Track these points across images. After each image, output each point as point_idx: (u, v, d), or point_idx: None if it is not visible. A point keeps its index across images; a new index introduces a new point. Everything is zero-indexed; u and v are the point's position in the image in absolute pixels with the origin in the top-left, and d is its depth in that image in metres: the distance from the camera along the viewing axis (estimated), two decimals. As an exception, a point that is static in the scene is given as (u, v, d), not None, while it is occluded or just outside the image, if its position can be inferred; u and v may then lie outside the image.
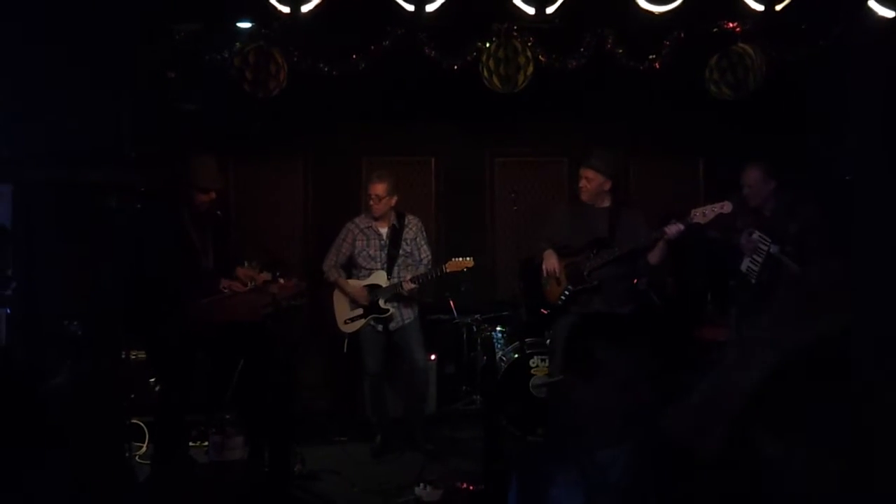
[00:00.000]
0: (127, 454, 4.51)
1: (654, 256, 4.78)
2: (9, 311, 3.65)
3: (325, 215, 6.31)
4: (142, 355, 5.08)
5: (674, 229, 4.61)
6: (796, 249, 4.38)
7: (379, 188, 5.14)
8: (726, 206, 4.55)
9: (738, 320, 4.59)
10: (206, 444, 4.83)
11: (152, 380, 5.22)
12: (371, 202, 5.18)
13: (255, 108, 5.49)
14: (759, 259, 4.48)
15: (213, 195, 4.38)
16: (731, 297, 4.80)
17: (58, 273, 4.02)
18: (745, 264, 4.57)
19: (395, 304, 5.23)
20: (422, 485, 4.36)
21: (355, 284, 5.25)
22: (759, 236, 4.45)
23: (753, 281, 4.52)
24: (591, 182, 4.85)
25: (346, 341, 5.37)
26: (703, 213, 4.56)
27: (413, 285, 5.13)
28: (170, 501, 3.82)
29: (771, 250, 4.41)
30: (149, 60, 4.71)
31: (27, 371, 2.17)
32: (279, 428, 4.55)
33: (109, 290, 3.98)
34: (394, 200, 5.21)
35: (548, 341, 5.59)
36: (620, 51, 5.13)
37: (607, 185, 4.90)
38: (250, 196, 6.44)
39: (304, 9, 4.57)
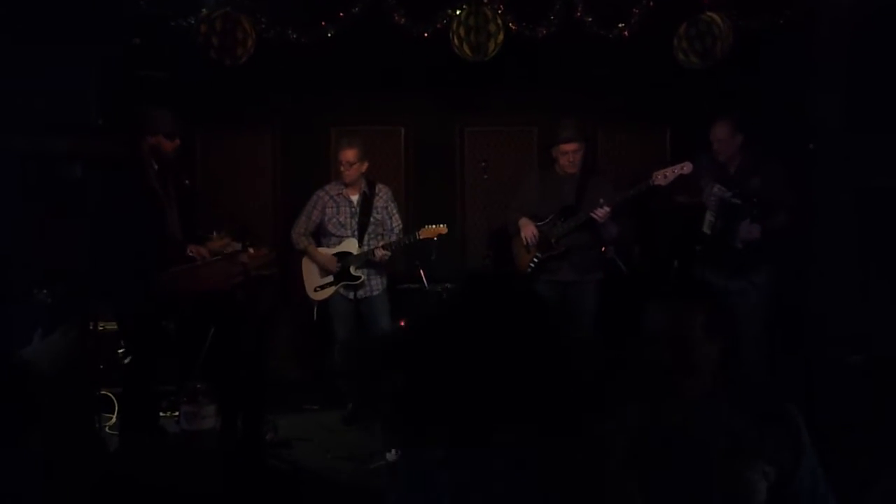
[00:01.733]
0: (97, 425, 4.49)
1: (606, 233, 4.86)
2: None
3: (295, 184, 6.27)
4: (110, 326, 5.05)
5: (600, 212, 4.73)
6: (758, 205, 4.48)
7: (349, 154, 5.12)
8: (686, 167, 4.66)
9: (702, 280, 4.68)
10: (177, 413, 4.82)
11: (121, 351, 5.20)
12: (342, 168, 5.16)
13: (223, 77, 5.41)
14: (714, 212, 4.57)
15: (178, 142, 4.32)
16: (697, 263, 4.88)
17: (26, 242, 3.96)
18: (706, 221, 4.65)
19: (366, 272, 5.24)
20: (393, 450, 4.41)
21: (325, 252, 5.25)
22: (719, 188, 4.54)
23: (709, 233, 4.61)
24: (578, 153, 4.93)
25: (316, 309, 5.38)
26: (665, 175, 4.68)
27: (385, 252, 5.14)
28: (141, 470, 3.81)
29: (723, 198, 4.50)
30: (114, 27, 4.61)
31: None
32: (251, 397, 4.57)
33: (77, 259, 3.93)
34: (364, 167, 5.20)
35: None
36: (590, 19, 5.14)
37: (584, 149, 4.97)
38: (218, 165, 6.37)
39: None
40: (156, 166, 4.24)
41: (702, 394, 1.92)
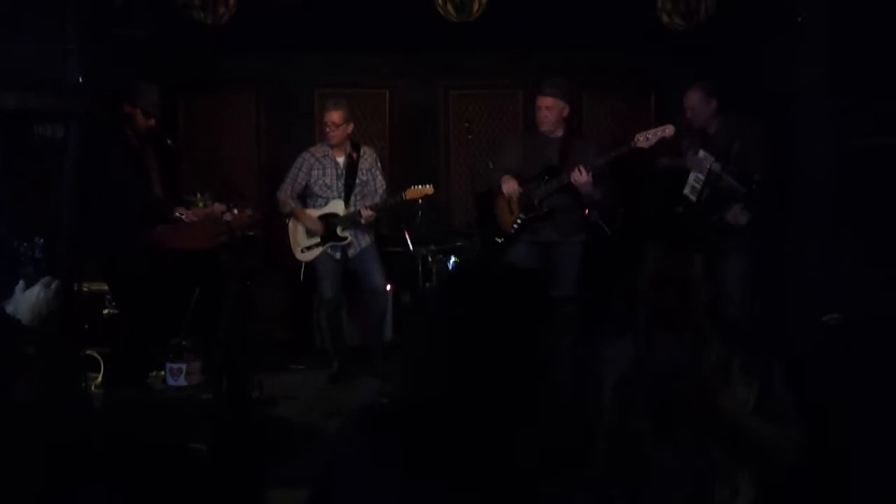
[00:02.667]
0: (82, 383, 4.52)
1: (588, 194, 4.89)
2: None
3: (279, 146, 6.27)
4: (95, 286, 5.07)
5: (579, 177, 4.74)
6: (739, 167, 4.52)
7: (335, 115, 5.12)
8: (668, 130, 4.68)
9: None
10: (163, 373, 4.86)
11: (105, 311, 5.22)
12: (328, 130, 5.17)
13: (205, 37, 5.37)
14: (702, 177, 4.60)
15: (153, 122, 4.34)
16: (678, 225, 4.93)
17: (7, 198, 3.97)
18: (689, 185, 4.69)
19: (353, 232, 5.27)
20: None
21: (311, 214, 5.27)
22: (704, 154, 4.58)
23: (694, 199, 4.65)
24: (552, 111, 4.92)
25: (303, 270, 5.41)
26: (647, 138, 4.70)
27: (371, 213, 5.16)
28: (128, 426, 3.86)
29: (712, 167, 4.54)
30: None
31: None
32: (236, 355, 4.62)
33: (60, 216, 3.95)
34: (350, 128, 5.21)
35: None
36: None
37: (566, 112, 4.99)
38: (202, 127, 6.35)
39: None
40: (130, 133, 4.25)
41: (694, 332, 2.07)
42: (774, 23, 5.28)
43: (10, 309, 2.77)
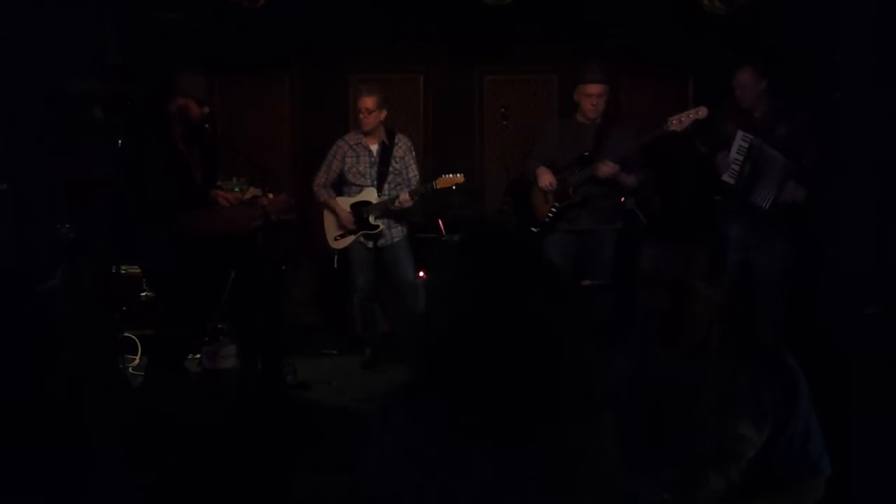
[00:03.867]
0: (120, 364, 4.59)
1: (624, 184, 4.85)
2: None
3: (313, 131, 6.28)
4: (132, 270, 5.13)
5: (602, 169, 4.72)
6: (784, 150, 4.42)
7: (368, 101, 5.10)
8: (701, 111, 4.58)
9: (722, 232, 4.65)
10: (199, 356, 4.91)
11: (143, 293, 5.29)
12: (361, 116, 5.15)
13: (241, 20, 5.39)
14: (740, 158, 4.50)
15: (206, 109, 4.35)
16: (716, 211, 4.85)
17: (47, 178, 4.01)
18: (729, 171, 4.58)
19: (385, 221, 5.26)
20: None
21: (344, 204, 5.27)
22: (742, 134, 4.47)
23: (733, 182, 4.54)
24: (601, 97, 4.87)
25: (336, 257, 5.42)
26: (680, 121, 4.61)
27: (409, 200, 5.13)
28: (164, 407, 3.91)
29: (752, 142, 4.42)
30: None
31: (21, 273, 2.19)
32: (270, 339, 4.65)
33: (99, 198, 3.98)
34: (383, 115, 5.18)
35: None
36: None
37: (608, 95, 4.92)
38: (237, 111, 6.38)
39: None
40: (181, 126, 4.25)
41: (697, 345, 1.82)
42: (817, 7, 5.16)
43: (51, 289, 2.81)
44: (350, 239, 5.30)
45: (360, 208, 5.24)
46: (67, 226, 3.52)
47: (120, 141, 4.37)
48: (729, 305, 1.85)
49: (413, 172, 5.31)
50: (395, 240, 5.32)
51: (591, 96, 4.86)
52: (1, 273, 2.14)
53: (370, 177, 5.26)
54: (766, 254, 4.58)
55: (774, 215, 4.49)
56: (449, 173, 5.18)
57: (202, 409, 4.16)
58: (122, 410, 3.59)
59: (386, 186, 5.25)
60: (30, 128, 4.00)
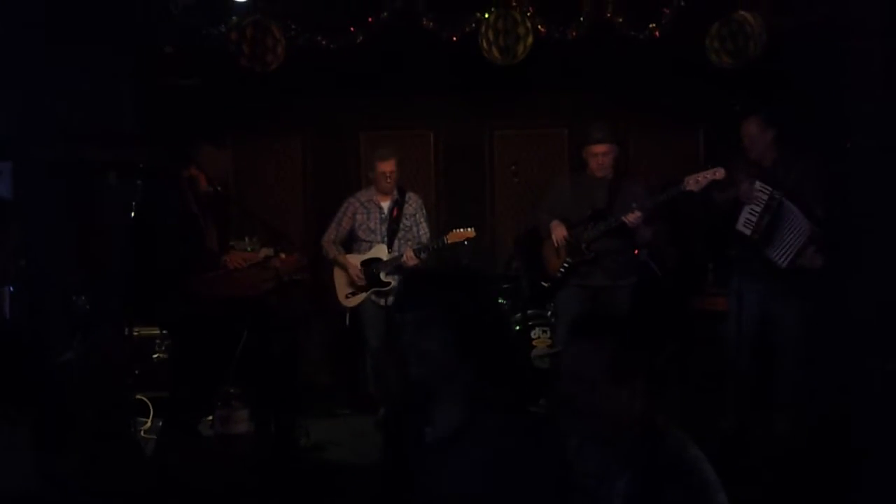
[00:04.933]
0: (132, 429, 4.54)
1: (638, 237, 4.81)
2: (12, 289, 3.67)
3: (324, 189, 6.31)
4: (145, 331, 5.12)
5: (631, 217, 4.67)
6: (794, 198, 4.38)
7: (392, 164, 5.17)
8: (719, 173, 4.55)
9: (738, 287, 4.59)
10: (211, 417, 4.86)
11: (155, 355, 5.26)
12: (380, 179, 5.19)
13: (253, 84, 5.46)
14: (758, 209, 4.46)
15: (215, 189, 4.38)
16: (732, 267, 4.80)
17: (62, 249, 4.02)
18: (742, 219, 4.53)
19: (396, 278, 5.25)
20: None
21: (353, 261, 5.26)
22: (761, 185, 4.44)
23: (749, 233, 4.50)
24: (608, 155, 4.88)
25: (349, 315, 5.40)
26: (697, 181, 4.58)
27: (414, 257, 5.13)
28: (177, 474, 3.85)
29: (773, 194, 4.39)
30: (147, 36, 4.67)
31: (35, 347, 2.18)
32: (284, 401, 4.59)
33: (113, 266, 3.99)
34: (398, 175, 5.23)
35: (549, 313, 5.62)
36: (620, 20, 5.10)
37: (617, 153, 4.94)
38: (249, 171, 6.42)
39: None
40: (193, 192, 4.28)
41: (622, 439, 1.83)
42: (826, 59, 5.18)
43: (68, 361, 2.79)
44: (362, 297, 5.27)
45: (371, 265, 5.23)
46: (83, 297, 3.52)
47: (134, 204, 4.39)
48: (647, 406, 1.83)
49: (423, 230, 5.31)
50: None
51: (597, 156, 4.87)
52: (17, 346, 2.12)
53: (380, 233, 5.26)
54: (784, 309, 4.51)
55: (793, 272, 4.44)
56: (460, 228, 5.18)
57: (216, 475, 4.09)
58: (136, 480, 3.54)
59: (396, 243, 5.25)
60: (45, 198, 4.03)
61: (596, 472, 1.86)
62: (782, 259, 4.40)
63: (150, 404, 5.06)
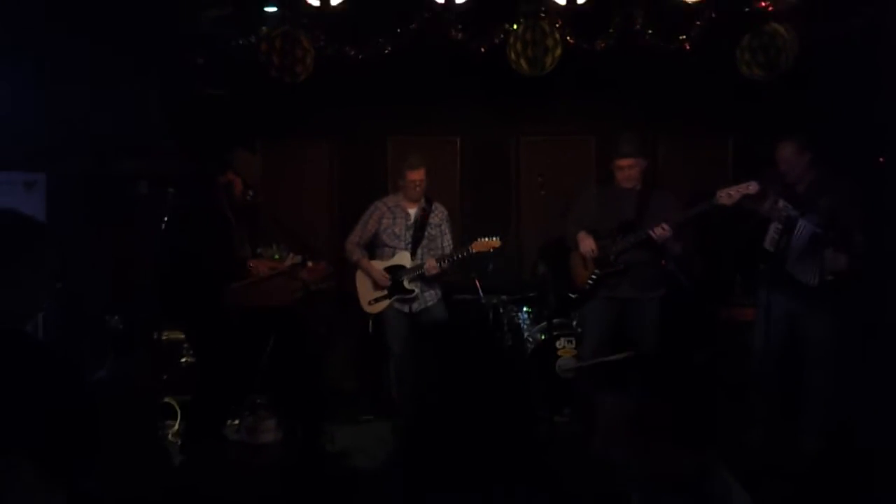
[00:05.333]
0: (160, 437, 4.60)
1: (667, 250, 4.78)
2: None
3: (351, 197, 6.32)
4: (173, 335, 5.18)
5: (660, 232, 4.64)
6: (826, 222, 4.33)
7: (422, 173, 5.18)
8: (752, 187, 4.49)
9: (766, 300, 4.57)
10: (237, 422, 4.91)
11: (183, 360, 5.32)
12: (416, 187, 5.20)
13: (282, 93, 5.49)
14: (780, 227, 4.43)
15: (251, 193, 4.43)
16: (760, 279, 4.76)
17: (96, 267, 4.08)
18: (769, 237, 4.51)
19: (419, 285, 5.26)
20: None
21: (377, 266, 5.28)
22: (784, 204, 4.39)
23: (773, 250, 4.47)
24: (634, 168, 4.85)
25: (371, 322, 5.42)
26: (730, 195, 4.52)
27: (436, 266, 5.13)
28: (205, 484, 3.90)
29: (790, 214, 4.35)
30: (177, 47, 4.72)
31: (70, 366, 2.21)
32: (310, 409, 4.64)
33: (146, 278, 4.04)
34: (426, 184, 5.24)
35: (574, 323, 5.61)
36: (649, 31, 5.07)
37: (644, 165, 4.90)
38: (276, 178, 6.44)
39: (334, 1, 4.56)
40: (227, 199, 4.33)
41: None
42: (858, 70, 5.11)
43: (102, 381, 2.84)
44: (385, 303, 5.29)
45: (395, 272, 5.25)
46: (116, 317, 3.57)
47: (166, 217, 4.44)
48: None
49: (447, 241, 5.33)
50: (430, 303, 5.31)
51: (623, 168, 4.85)
52: (50, 367, 2.16)
53: (405, 240, 5.27)
54: (813, 324, 4.47)
55: (821, 285, 4.39)
56: (485, 237, 5.17)
57: (242, 484, 4.14)
58: (164, 490, 3.59)
59: (420, 251, 5.26)
60: (78, 210, 4.09)
61: None
62: (811, 278, 4.37)
63: (177, 407, 5.12)
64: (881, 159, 5.06)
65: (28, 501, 1.89)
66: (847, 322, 4.52)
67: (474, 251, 5.16)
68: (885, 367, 4.63)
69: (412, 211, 5.30)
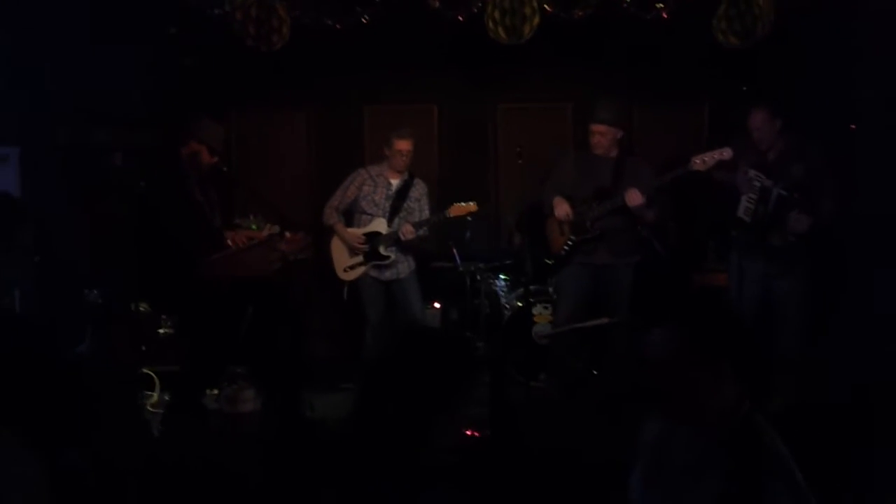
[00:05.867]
0: (140, 408, 4.62)
1: (642, 216, 4.83)
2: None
3: (328, 166, 6.31)
4: (149, 307, 5.16)
5: (632, 199, 4.68)
6: (798, 190, 4.41)
7: (409, 144, 5.18)
8: (726, 153, 4.55)
9: (738, 265, 4.65)
10: (216, 392, 4.94)
11: (161, 330, 5.32)
12: (402, 157, 5.20)
13: (258, 63, 5.43)
14: (754, 197, 4.50)
15: (216, 160, 4.40)
16: (732, 244, 4.84)
17: (72, 240, 4.05)
18: (742, 206, 4.58)
19: (395, 252, 5.27)
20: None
21: (353, 232, 5.29)
22: (755, 174, 4.46)
23: (748, 220, 4.54)
24: (605, 136, 4.87)
25: (346, 289, 5.44)
26: (703, 161, 4.58)
27: (412, 230, 5.15)
28: (185, 454, 3.93)
29: (763, 184, 4.43)
30: (152, 16, 4.64)
31: (49, 340, 2.22)
32: (290, 378, 4.66)
33: (122, 251, 4.02)
34: (413, 156, 5.25)
35: (550, 290, 5.67)
36: (628, 0, 5.06)
37: (619, 135, 4.93)
38: (253, 150, 6.41)
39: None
40: (196, 171, 4.30)
41: (714, 429, 1.80)
42: (833, 39, 5.16)
43: (82, 353, 2.84)
44: (360, 271, 5.31)
45: (370, 238, 5.26)
46: (95, 291, 3.56)
47: (139, 187, 4.42)
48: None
49: (425, 216, 5.34)
50: (402, 276, 5.34)
51: (595, 134, 4.88)
52: (29, 342, 2.16)
53: (383, 208, 5.28)
54: (786, 285, 4.57)
55: (794, 248, 4.49)
56: (462, 202, 5.20)
57: (222, 453, 4.17)
58: (145, 460, 3.62)
59: (396, 220, 5.27)
60: (54, 184, 4.05)
61: (683, 462, 1.84)
62: (775, 239, 4.50)
63: (156, 378, 5.14)
64: (852, 126, 5.12)
65: (14, 473, 1.91)
66: (817, 284, 4.62)
67: (451, 215, 5.19)
68: (853, 328, 4.75)
69: (394, 181, 5.30)
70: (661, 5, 5.05)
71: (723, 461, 1.75)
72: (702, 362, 1.78)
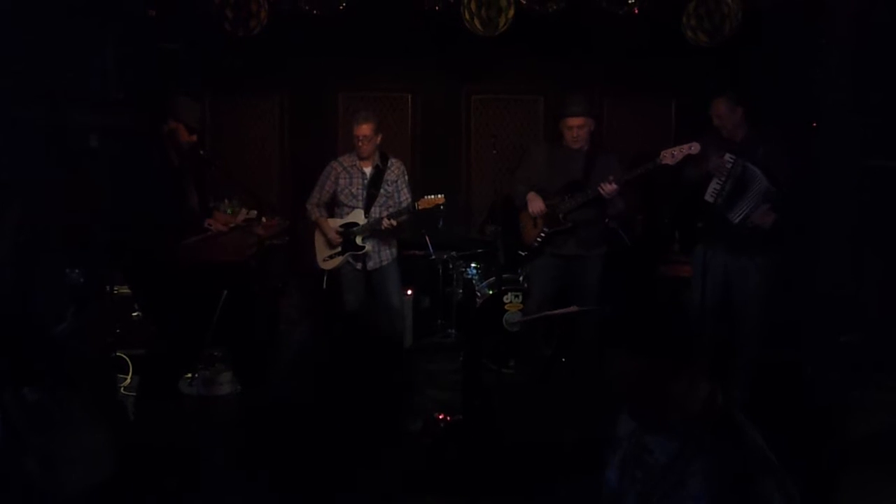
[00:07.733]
0: (116, 390, 4.63)
1: (612, 208, 4.94)
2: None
3: (302, 152, 6.34)
4: (124, 290, 5.15)
5: (608, 188, 4.77)
6: (785, 193, 4.52)
7: (365, 129, 5.15)
8: (694, 147, 4.65)
9: (703, 255, 4.75)
10: (191, 375, 4.96)
11: (135, 314, 5.31)
12: (360, 143, 5.18)
13: (234, 47, 5.44)
14: (723, 177, 4.57)
15: (195, 137, 4.40)
16: (697, 235, 4.95)
17: (49, 221, 4.04)
18: (710, 190, 4.64)
19: (374, 243, 5.33)
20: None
21: (332, 224, 5.34)
22: (730, 156, 4.55)
23: (713, 200, 4.58)
24: (583, 128, 4.93)
25: (326, 277, 5.49)
26: (672, 155, 4.66)
27: (390, 221, 5.19)
28: (160, 437, 3.95)
29: (737, 161, 4.49)
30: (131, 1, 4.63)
31: (28, 319, 2.25)
32: (264, 362, 4.71)
33: (100, 234, 4.02)
34: (379, 139, 5.24)
35: (521, 278, 5.78)
36: (601, -5, 5.17)
37: (593, 126, 5.01)
38: (228, 135, 6.42)
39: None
40: (174, 151, 4.31)
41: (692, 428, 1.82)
42: (799, 38, 5.30)
43: (64, 332, 2.87)
44: (339, 260, 5.35)
45: (348, 229, 5.31)
46: (77, 271, 3.57)
47: (116, 167, 4.41)
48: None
49: (405, 196, 5.36)
50: (384, 263, 5.39)
51: (573, 128, 4.94)
52: (11, 322, 2.20)
53: (361, 198, 5.31)
54: (745, 277, 4.70)
55: (754, 239, 4.61)
56: (430, 194, 5.24)
57: (198, 436, 4.20)
58: (121, 442, 3.64)
59: (374, 209, 5.30)
60: (30, 162, 4.03)
61: (661, 461, 1.84)
62: (737, 216, 4.55)
63: (129, 361, 5.14)
64: (814, 124, 5.28)
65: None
66: (779, 274, 4.76)
67: (420, 209, 5.23)
68: (814, 319, 4.90)
69: (368, 169, 5.31)
70: (632, 1, 5.15)
71: (705, 461, 1.76)
72: (677, 373, 1.81)
